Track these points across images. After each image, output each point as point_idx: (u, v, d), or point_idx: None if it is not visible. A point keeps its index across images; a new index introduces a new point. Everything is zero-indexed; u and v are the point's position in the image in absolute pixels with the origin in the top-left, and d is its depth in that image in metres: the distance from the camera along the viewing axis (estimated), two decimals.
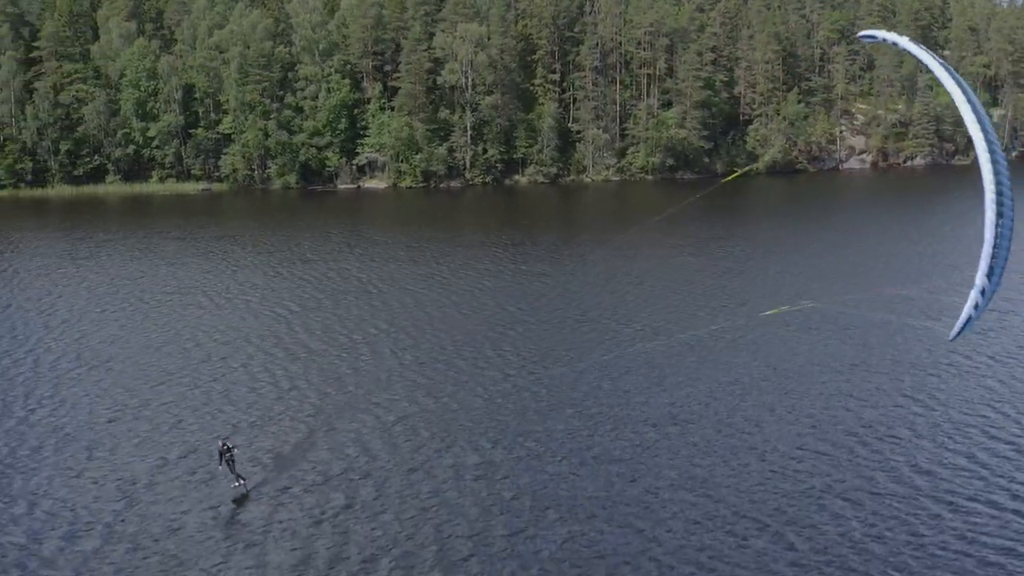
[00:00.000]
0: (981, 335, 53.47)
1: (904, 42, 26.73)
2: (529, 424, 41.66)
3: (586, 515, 33.20)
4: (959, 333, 26.56)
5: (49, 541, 32.63)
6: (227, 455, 36.30)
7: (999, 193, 25.16)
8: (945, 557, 30.49)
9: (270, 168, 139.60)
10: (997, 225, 25.01)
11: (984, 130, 25.53)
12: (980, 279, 25.64)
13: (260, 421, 43.16)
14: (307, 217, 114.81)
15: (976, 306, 25.98)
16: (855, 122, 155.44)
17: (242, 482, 36.70)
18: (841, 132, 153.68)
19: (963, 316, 26.10)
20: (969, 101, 25.71)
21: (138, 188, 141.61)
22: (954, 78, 26.00)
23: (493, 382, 47.06)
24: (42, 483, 37.12)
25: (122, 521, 33.83)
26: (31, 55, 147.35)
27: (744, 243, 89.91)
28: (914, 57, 27.48)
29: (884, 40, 27.35)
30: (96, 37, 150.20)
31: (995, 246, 25.27)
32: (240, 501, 35.72)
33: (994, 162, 25.39)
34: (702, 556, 30.52)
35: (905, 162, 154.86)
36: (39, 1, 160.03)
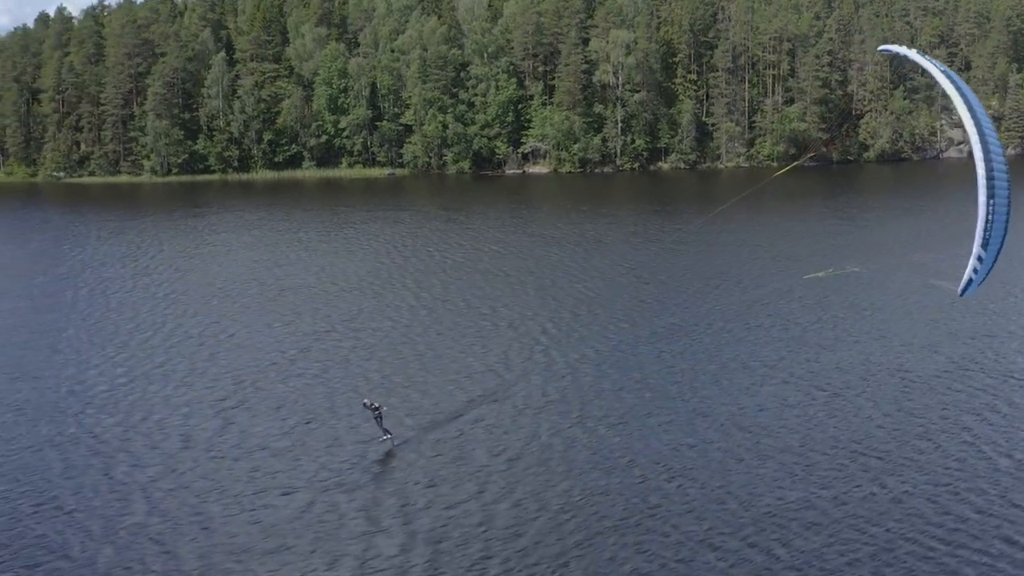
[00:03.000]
0: None
1: (912, 54, 32.62)
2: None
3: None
4: (964, 290, 32.27)
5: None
6: (376, 413, 40.14)
7: (990, 178, 29.88)
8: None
9: (446, 155, 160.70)
10: (988, 204, 30.13)
11: (979, 126, 30.02)
12: (976, 248, 30.91)
13: (500, 332, 58.22)
14: (495, 195, 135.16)
15: (975, 270, 31.33)
16: (953, 116, 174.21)
17: (389, 436, 40.38)
18: (941, 125, 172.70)
19: (965, 277, 31.81)
20: (966, 100, 30.34)
21: (330, 173, 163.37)
22: (953, 80, 30.93)
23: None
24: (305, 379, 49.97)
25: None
26: (232, 56, 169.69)
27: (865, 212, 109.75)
28: (919, 64, 32.40)
29: (897, 53, 33.33)
30: (285, 40, 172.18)
31: (987, 221, 30.24)
32: (389, 455, 40.39)
33: (986, 151, 29.84)
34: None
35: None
36: (220, 4, 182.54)
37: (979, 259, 30.92)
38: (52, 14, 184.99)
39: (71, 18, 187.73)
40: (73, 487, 38.34)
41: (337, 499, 36.73)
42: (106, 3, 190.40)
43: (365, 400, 41.56)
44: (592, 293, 69.02)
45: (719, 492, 36.25)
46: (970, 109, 30.14)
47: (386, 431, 40.47)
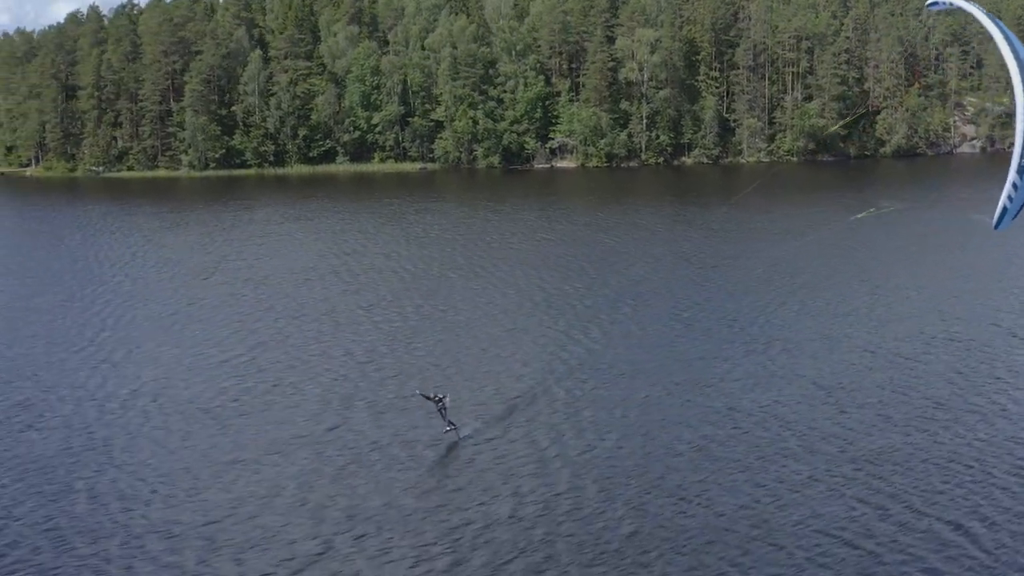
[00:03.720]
0: None
1: (959, 1, 32.67)
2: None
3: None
4: (999, 221, 30.95)
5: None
6: (439, 404, 40.49)
7: None
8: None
9: (476, 151, 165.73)
10: None
11: (1020, 60, 30.10)
12: (1012, 175, 29.64)
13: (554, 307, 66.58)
14: (527, 189, 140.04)
15: (1010, 197, 30.01)
16: (966, 113, 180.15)
17: (453, 427, 40.71)
18: (954, 122, 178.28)
19: (999, 207, 30.53)
20: (1007, 37, 30.48)
21: (363, 167, 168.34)
22: (996, 23, 31.00)
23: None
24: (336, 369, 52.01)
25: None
26: (266, 54, 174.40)
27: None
28: (968, 11, 32.60)
29: (949, 4, 33.31)
30: (316, 38, 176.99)
31: None
32: (452, 446, 41.06)
33: None
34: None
35: (1009, 147, 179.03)
36: (251, 3, 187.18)
37: (1014, 186, 29.90)
38: (67, 14, 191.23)
39: (102, 16, 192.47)
40: (230, 445, 42.45)
41: (484, 449, 41.14)
42: (135, 1, 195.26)
43: (418, 390, 42.72)
44: (656, 275, 74.16)
45: (827, 436, 41.26)
46: (1011, 44, 30.36)
47: (450, 423, 40.95)
